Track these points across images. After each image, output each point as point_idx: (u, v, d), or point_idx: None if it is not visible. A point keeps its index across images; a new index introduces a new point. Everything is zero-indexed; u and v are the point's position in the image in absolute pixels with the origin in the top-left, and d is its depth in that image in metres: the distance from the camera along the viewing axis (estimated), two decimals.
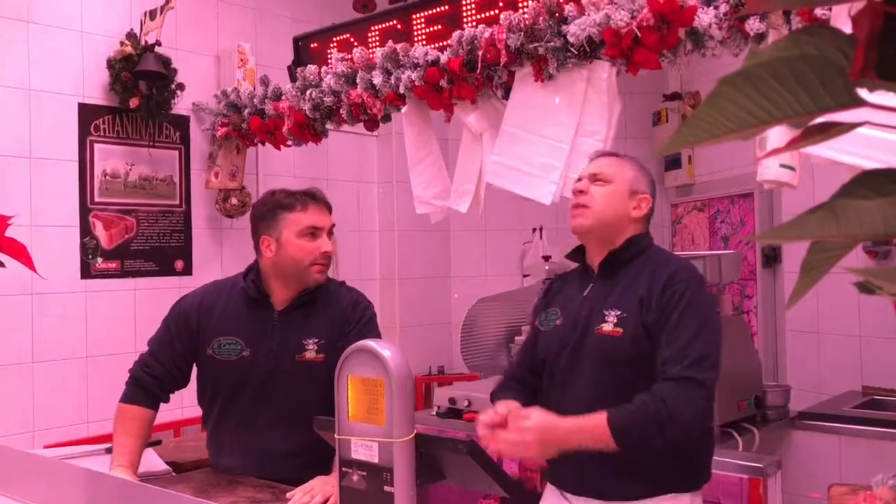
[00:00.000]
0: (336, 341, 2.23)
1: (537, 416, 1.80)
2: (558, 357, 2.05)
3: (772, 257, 4.10)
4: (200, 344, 2.33)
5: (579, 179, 2.11)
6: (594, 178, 2.06)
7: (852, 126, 0.56)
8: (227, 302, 2.33)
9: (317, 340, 2.27)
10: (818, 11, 2.08)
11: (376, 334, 2.28)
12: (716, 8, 2.28)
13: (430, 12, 3.11)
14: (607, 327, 1.94)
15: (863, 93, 0.54)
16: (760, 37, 2.22)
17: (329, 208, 2.32)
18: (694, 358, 1.83)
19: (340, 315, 2.31)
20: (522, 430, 1.77)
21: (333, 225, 2.33)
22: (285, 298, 2.30)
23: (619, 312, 1.94)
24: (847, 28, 0.56)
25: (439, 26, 3.06)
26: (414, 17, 3.15)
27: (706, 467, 2.05)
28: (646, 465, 1.92)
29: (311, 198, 2.29)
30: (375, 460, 1.53)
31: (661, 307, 1.90)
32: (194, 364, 2.39)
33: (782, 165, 2.17)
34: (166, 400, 2.40)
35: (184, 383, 2.41)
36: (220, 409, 2.34)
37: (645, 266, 1.99)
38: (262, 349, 2.27)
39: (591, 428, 1.78)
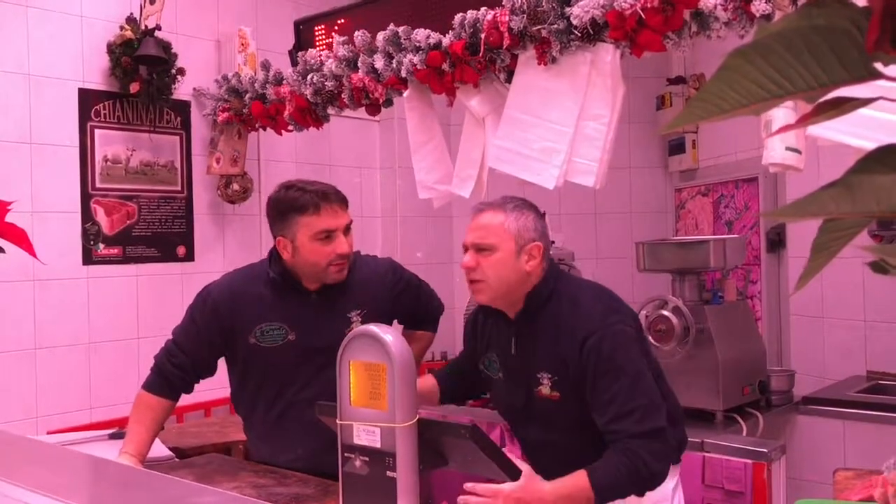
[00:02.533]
0: (381, 309, 2.27)
1: (521, 483, 1.81)
2: (509, 413, 2.15)
3: (776, 242, 4.08)
4: (238, 334, 2.28)
5: (465, 248, 2.03)
6: (478, 247, 1.99)
7: (866, 101, 0.54)
8: (258, 288, 2.29)
9: (360, 311, 2.27)
10: None
11: (428, 288, 2.53)
12: None
13: None
14: (545, 390, 1.98)
15: (877, 66, 0.52)
16: (766, 18, 2.19)
17: (345, 204, 2.26)
18: (642, 410, 1.87)
19: (381, 284, 2.36)
20: (503, 497, 1.78)
21: (351, 222, 2.27)
22: (317, 285, 2.30)
23: (550, 376, 1.97)
24: (859, 1, 0.54)
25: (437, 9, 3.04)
26: None
27: (682, 441, 2.13)
28: None
29: (324, 198, 2.21)
30: (378, 445, 1.52)
31: (585, 371, 1.91)
32: (225, 353, 2.35)
33: (788, 148, 2.14)
34: (189, 391, 2.38)
35: (211, 373, 2.39)
36: (271, 399, 2.29)
37: (556, 316, 1.98)
38: (307, 331, 2.25)
39: (575, 490, 1.83)
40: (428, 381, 2.30)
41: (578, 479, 1.83)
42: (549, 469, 2.03)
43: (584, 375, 1.91)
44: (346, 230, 2.25)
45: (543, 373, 1.97)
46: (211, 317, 2.30)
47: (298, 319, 2.26)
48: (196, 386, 2.43)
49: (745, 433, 2.83)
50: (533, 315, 2.01)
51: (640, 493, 1.89)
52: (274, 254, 2.31)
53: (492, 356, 2.13)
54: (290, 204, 2.22)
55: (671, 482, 2.05)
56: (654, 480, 1.87)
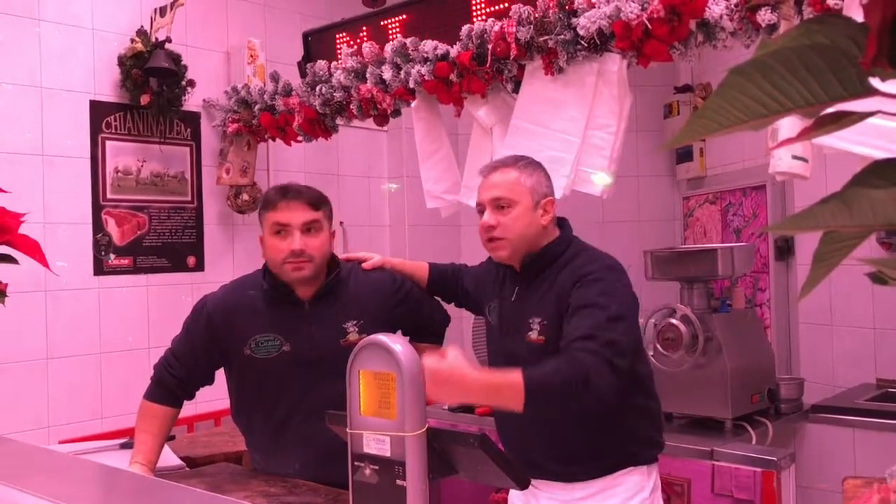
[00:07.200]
0: (379, 319, 2.24)
1: (447, 363, 1.72)
2: (496, 361, 2.15)
3: (785, 250, 4.08)
4: (233, 345, 2.28)
5: (480, 207, 2.09)
6: (497, 204, 2.05)
7: (865, 115, 0.56)
8: (253, 299, 2.29)
9: (356, 322, 2.26)
10: (830, 1, 2.06)
11: (431, 299, 2.48)
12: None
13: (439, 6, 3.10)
14: (533, 335, 2.01)
15: (875, 82, 0.53)
16: (772, 28, 2.20)
17: (308, 203, 2.23)
18: (607, 340, 1.82)
19: (379, 294, 2.34)
20: (427, 370, 1.67)
21: (316, 221, 2.23)
22: (309, 291, 2.29)
23: (540, 319, 2.00)
24: (860, 17, 0.55)
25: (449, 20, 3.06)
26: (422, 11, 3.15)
27: (656, 441, 2.12)
28: (596, 448, 2.00)
29: (283, 194, 2.23)
30: (388, 454, 1.53)
31: (573, 298, 1.93)
32: (223, 365, 2.35)
33: (794, 157, 2.15)
34: (191, 398, 2.39)
35: (209, 382, 2.39)
36: (268, 411, 2.29)
37: (564, 268, 2.03)
38: (301, 341, 2.24)
39: (503, 386, 1.76)
40: (422, 269, 2.47)
41: (511, 374, 1.76)
42: (522, 431, 2.03)
43: (568, 305, 1.92)
44: (307, 229, 2.22)
45: (535, 317, 2.01)
46: (205, 330, 2.30)
47: (292, 330, 2.25)
48: (205, 396, 2.43)
49: (754, 441, 2.82)
50: (541, 268, 2.06)
51: (574, 402, 1.80)
52: (267, 264, 2.32)
53: (493, 303, 2.19)
54: (263, 201, 2.32)
55: (648, 483, 2.06)
56: (589, 390, 1.77)
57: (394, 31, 3.25)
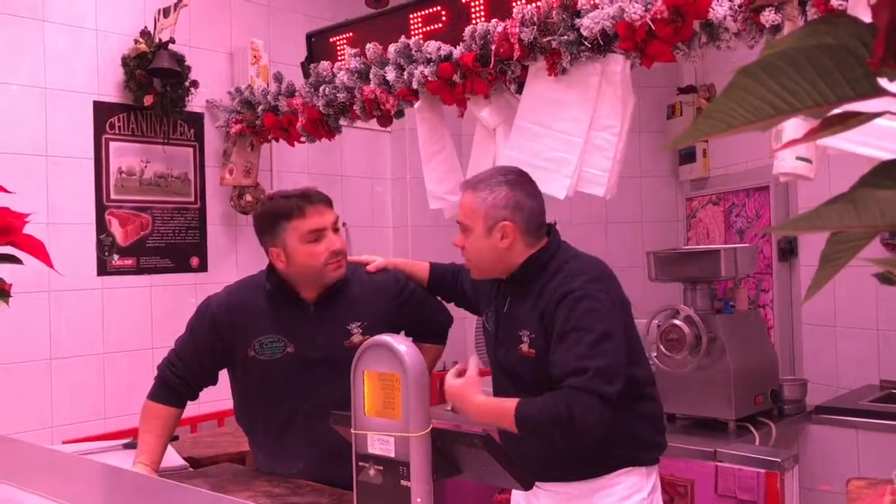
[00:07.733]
0: (383, 320, 2.25)
1: (460, 384, 1.95)
2: (494, 368, 2.20)
3: (788, 251, 4.07)
4: (236, 347, 2.28)
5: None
6: (461, 228, 2.09)
7: (872, 116, 0.56)
8: (256, 301, 2.30)
9: (360, 323, 2.26)
10: (834, 2, 2.06)
11: (434, 300, 2.49)
12: (730, 0, 2.26)
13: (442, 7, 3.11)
14: (525, 348, 2.03)
15: (883, 82, 0.53)
16: (776, 28, 2.20)
17: (328, 203, 2.27)
18: (595, 370, 1.85)
19: (383, 295, 2.34)
20: (446, 388, 1.98)
21: (337, 218, 2.29)
22: (314, 293, 2.29)
23: (529, 332, 2.02)
24: (865, 18, 0.55)
25: (442, 20, 3.10)
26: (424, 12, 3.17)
27: (657, 443, 2.13)
28: (595, 453, 2.01)
29: (307, 200, 2.23)
30: (392, 455, 1.53)
31: (555, 325, 1.94)
32: (226, 366, 2.36)
33: (798, 158, 2.15)
34: (194, 398, 2.39)
35: (212, 382, 2.40)
36: (272, 411, 2.29)
37: (550, 280, 2.02)
38: (305, 343, 2.25)
39: (499, 412, 1.92)
40: (423, 268, 2.49)
41: (507, 402, 1.90)
42: (521, 436, 2.04)
43: (556, 320, 1.94)
44: (335, 228, 2.26)
45: (525, 330, 2.02)
46: (209, 331, 2.31)
47: (296, 331, 2.26)
48: (209, 396, 2.44)
49: (757, 442, 2.82)
50: (528, 280, 2.05)
51: (561, 439, 1.85)
52: (271, 266, 2.31)
53: (490, 311, 2.20)
54: (275, 212, 2.24)
55: (647, 484, 2.06)
56: (572, 427, 1.82)
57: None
